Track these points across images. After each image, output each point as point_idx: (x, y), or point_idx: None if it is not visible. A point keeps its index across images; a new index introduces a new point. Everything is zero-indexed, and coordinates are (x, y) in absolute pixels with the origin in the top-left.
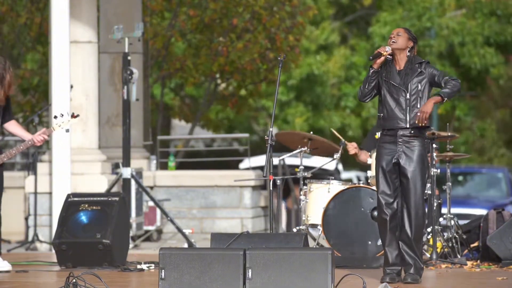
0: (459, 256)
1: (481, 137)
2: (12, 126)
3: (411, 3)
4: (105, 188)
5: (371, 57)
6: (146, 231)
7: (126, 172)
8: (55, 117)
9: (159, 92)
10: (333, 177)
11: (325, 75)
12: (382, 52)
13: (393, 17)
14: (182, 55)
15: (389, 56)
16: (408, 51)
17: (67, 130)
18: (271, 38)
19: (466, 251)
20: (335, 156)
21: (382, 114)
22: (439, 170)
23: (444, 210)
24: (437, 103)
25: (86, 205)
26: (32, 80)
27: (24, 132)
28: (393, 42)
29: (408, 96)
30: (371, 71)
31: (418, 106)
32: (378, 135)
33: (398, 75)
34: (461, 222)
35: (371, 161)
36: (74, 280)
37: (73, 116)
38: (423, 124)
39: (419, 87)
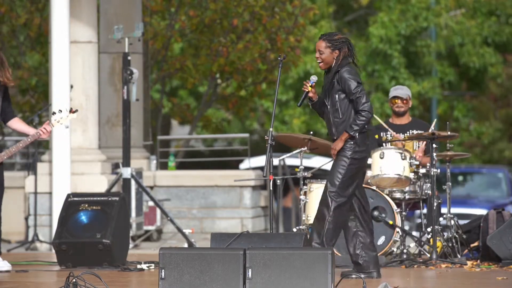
0: (459, 256)
1: (478, 139)
2: (16, 123)
3: (407, 4)
4: (105, 188)
5: (298, 104)
6: (146, 231)
7: (126, 172)
8: (54, 113)
9: (157, 96)
10: None
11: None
12: (308, 90)
13: (389, 18)
14: (181, 56)
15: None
16: (335, 59)
17: (67, 126)
18: (271, 39)
19: (466, 251)
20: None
21: None
22: (439, 170)
23: (444, 210)
24: (347, 139)
25: (86, 205)
26: (31, 80)
27: (28, 127)
28: (320, 64)
29: (329, 109)
30: (310, 105)
31: (336, 119)
32: (383, 135)
33: (323, 87)
34: (461, 222)
35: (371, 160)
36: (74, 280)
37: (71, 111)
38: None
39: (336, 98)
